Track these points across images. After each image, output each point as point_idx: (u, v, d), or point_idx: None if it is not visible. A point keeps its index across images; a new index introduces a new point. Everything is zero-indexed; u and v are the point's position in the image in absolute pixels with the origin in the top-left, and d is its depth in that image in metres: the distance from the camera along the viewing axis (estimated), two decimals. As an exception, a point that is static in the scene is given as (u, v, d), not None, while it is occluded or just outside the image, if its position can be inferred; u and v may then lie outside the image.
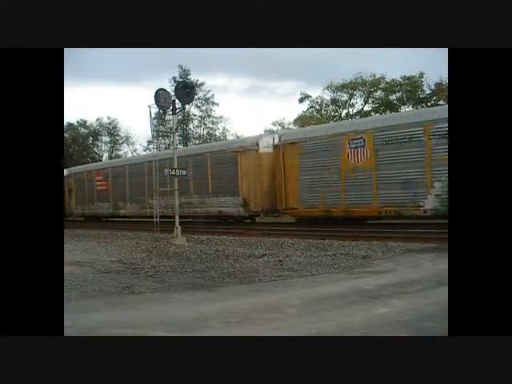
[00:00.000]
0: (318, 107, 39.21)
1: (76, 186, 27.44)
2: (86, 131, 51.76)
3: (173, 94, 13.77)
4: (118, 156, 48.03)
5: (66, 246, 8.17)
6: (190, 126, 47.55)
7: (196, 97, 40.75)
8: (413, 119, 13.78)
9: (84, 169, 29.06)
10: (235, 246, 11.73)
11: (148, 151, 42.78)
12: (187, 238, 13.21)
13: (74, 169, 29.38)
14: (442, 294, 4.35)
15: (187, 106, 25.11)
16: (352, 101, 38.01)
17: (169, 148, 34.98)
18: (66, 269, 7.19)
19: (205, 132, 47.73)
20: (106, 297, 6.08)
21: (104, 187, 24.99)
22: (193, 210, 19.49)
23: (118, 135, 52.06)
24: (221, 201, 18.47)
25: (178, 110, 14.07)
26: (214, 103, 46.98)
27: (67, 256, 8.90)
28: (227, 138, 44.79)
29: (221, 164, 18.54)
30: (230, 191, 18.05)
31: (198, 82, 44.72)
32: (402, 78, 34.48)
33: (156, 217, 15.58)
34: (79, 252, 11.16)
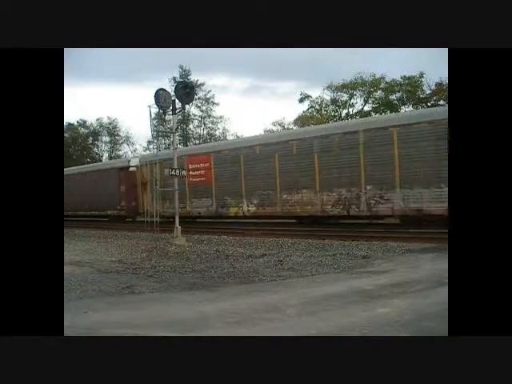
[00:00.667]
0: (317, 107, 39.25)
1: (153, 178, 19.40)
2: (86, 131, 51.82)
3: (173, 94, 13.76)
4: (118, 156, 47.96)
5: (66, 245, 8.18)
6: (190, 126, 47.61)
7: (196, 97, 40.81)
8: None
9: (167, 155, 18.95)
10: (235, 246, 11.73)
11: (148, 151, 42.80)
12: (187, 238, 13.21)
13: (149, 156, 21.89)
14: (442, 293, 4.35)
15: (187, 106, 24.75)
16: (352, 101, 38.07)
17: (169, 148, 34.89)
18: (66, 269, 7.19)
19: (205, 132, 47.82)
20: (106, 297, 6.08)
21: (202, 178, 18.86)
22: (347, 208, 14.37)
23: (118, 135, 52.19)
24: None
25: (177, 110, 14.05)
26: (214, 103, 47.12)
27: (67, 256, 8.90)
28: (227, 138, 44.84)
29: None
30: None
31: (199, 82, 44.84)
32: (402, 78, 34.50)
33: (156, 216, 15.52)
34: (79, 252, 11.16)
